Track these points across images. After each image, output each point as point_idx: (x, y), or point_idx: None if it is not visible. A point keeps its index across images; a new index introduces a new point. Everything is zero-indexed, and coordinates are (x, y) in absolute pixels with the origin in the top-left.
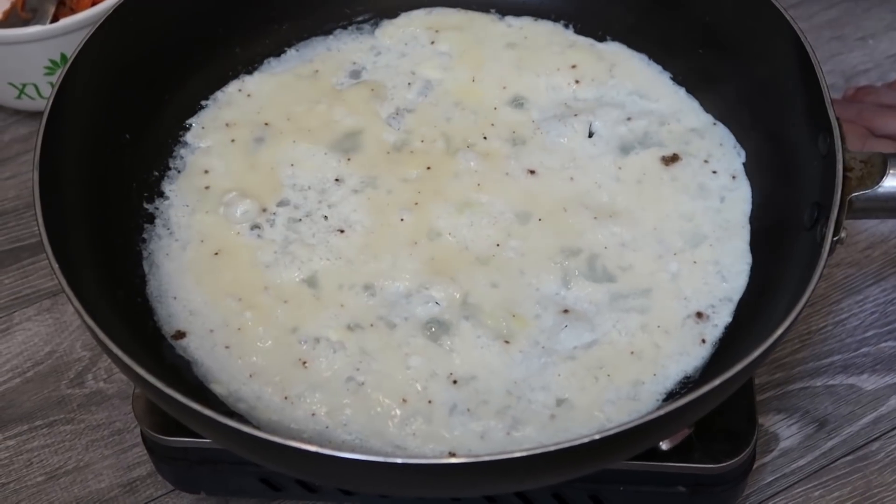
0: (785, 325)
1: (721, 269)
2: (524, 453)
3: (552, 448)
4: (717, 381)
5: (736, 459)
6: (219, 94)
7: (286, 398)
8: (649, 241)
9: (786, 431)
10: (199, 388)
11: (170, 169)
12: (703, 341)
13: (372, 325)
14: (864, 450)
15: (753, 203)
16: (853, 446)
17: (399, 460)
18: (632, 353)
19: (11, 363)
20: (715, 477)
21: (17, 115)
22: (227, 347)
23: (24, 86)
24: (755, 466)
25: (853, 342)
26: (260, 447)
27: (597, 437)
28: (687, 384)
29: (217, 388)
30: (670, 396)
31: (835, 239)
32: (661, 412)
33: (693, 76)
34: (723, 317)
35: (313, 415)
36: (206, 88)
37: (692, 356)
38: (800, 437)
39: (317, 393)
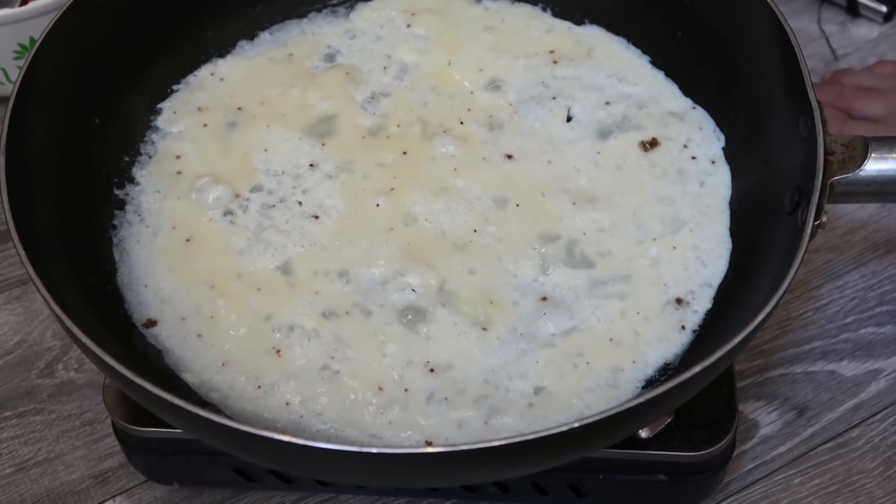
0: (765, 311)
1: (701, 254)
2: (501, 442)
3: (530, 437)
4: (696, 369)
5: (716, 447)
6: (191, 77)
7: (259, 387)
8: (628, 227)
9: (766, 418)
10: (170, 378)
11: (141, 154)
12: (683, 328)
13: (347, 313)
14: (844, 436)
15: (733, 188)
16: (833, 433)
17: (374, 450)
18: (611, 339)
19: None
20: (695, 465)
21: None
22: (199, 336)
23: None
24: (735, 454)
25: (833, 328)
26: (232, 437)
27: (575, 424)
28: (667, 371)
29: (189, 378)
30: (650, 384)
31: (816, 223)
32: (640, 400)
33: (672, 59)
34: (703, 303)
35: (287, 404)
36: (177, 72)
37: (672, 343)
38: (780, 423)
39: (291, 382)
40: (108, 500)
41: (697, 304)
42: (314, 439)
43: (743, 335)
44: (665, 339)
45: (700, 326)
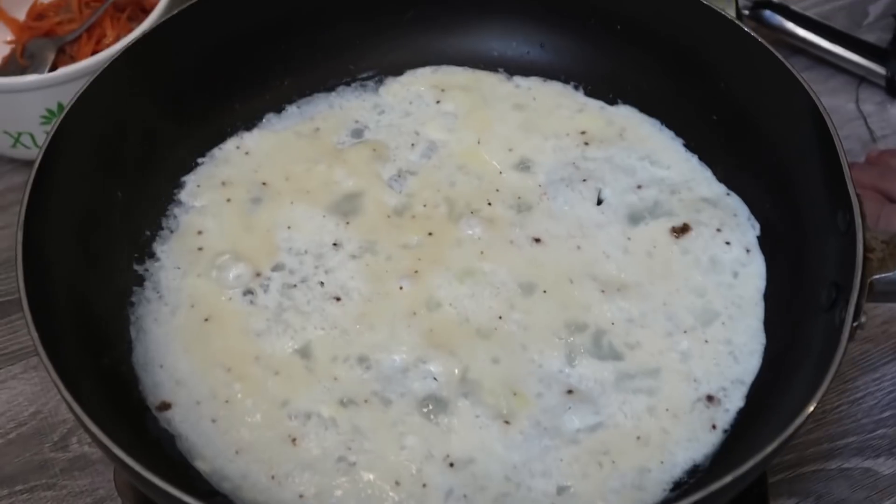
0: (802, 416)
1: (733, 348)
2: None
3: None
4: (728, 478)
5: None
6: (216, 150)
7: (273, 478)
8: (658, 318)
9: None
10: (181, 465)
11: (162, 229)
12: (714, 427)
13: (366, 401)
14: None
15: (768, 279)
16: None
17: None
18: (638, 437)
19: None
20: None
21: (13, 163)
22: (213, 421)
23: (19, 134)
24: None
25: (869, 423)
26: None
27: None
28: (696, 473)
29: (201, 465)
30: (677, 486)
31: (854, 325)
32: None
33: (706, 144)
34: (734, 401)
35: (301, 497)
36: (202, 145)
37: (702, 443)
38: None
39: (306, 472)
40: None
41: (729, 403)
42: None
43: (777, 442)
44: (695, 439)
45: (731, 426)
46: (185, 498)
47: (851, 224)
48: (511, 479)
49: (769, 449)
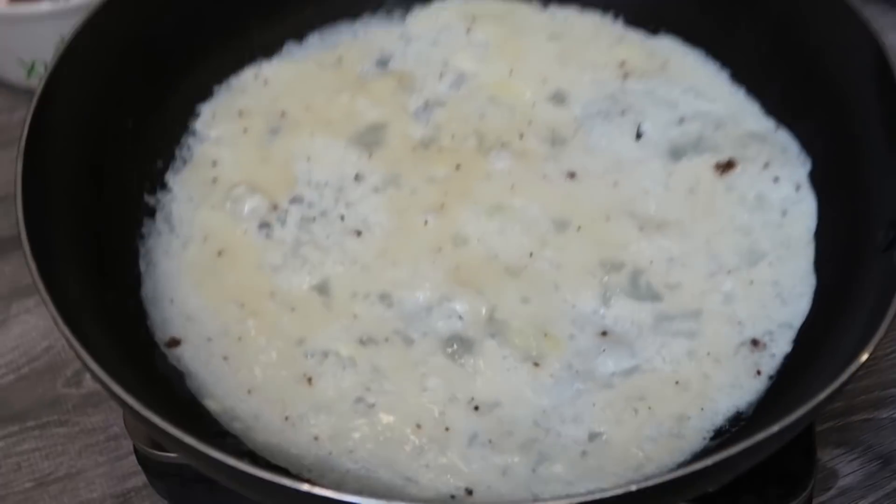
0: (855, 364)
1: (781, 290)
2: None
3: (578, 500)
4: (774, 428)
5: None
6: (233, 79)
7: (287, 419)
8: (700, 257)
9: (846, 468)
10: (190, 404)
11: (175, 159)
12: (759, 373)
13: (387, 340)
14: None
15: (819, 218)
16: None
17: None
18: (677, 383)
19: (6, 358)
20: None
21: (28, 94)
22: (225, 358)
23: (33, 63)
24: None
25: None
26: (249, 482)
27: (632, 488)
28: (738, 421)
29: (211, 405)
30: (719, 434)
31: None
32: (708, 462)
33: (755, 76)
34: (781, 345)
35: (316, 439)
36: (219, 73)
37: (745, 389)
38: (861, 474)
39: (321, 414)
40: None
41: (775, 347)
42: (343, 481)
43: (829, 391)
44: (738, 385)
45: (778, 372)
46: (186, 438)
47: None
48: (540, 425)
49: (819, 398)
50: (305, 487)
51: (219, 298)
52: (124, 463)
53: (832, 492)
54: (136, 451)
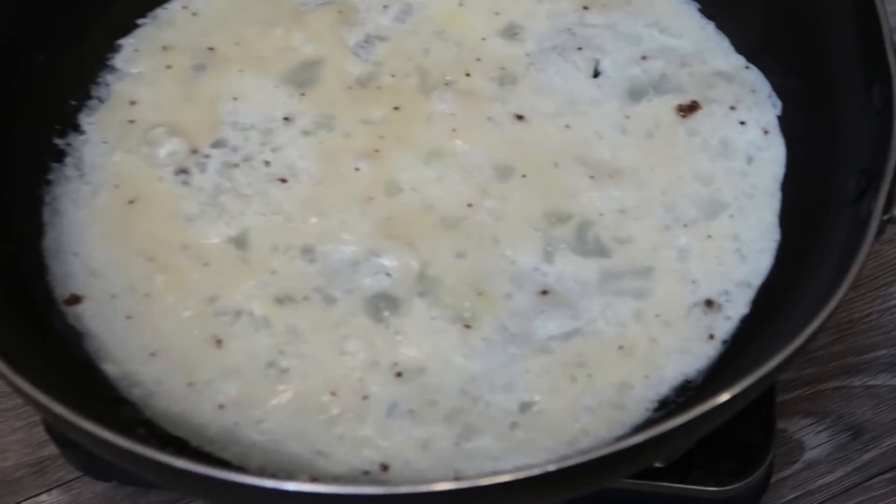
0: (816, 322)
1: (741, 246)
2: (444, 487)
3: (500, 480)
4: (723, 396)
5: (746, 481)
6: (159, 10)
7: (191, 385)
8: (655, 209)
9: (813, 439)
10: (86, 368)
11: (91, 98)
12: (712, 337)
13: (306, 298)
14: None
15: (787, 166)
16: (895, 462)
17: (291, 487)
18: (620, 347)
19: None
20: (720, 501)
21: None
22: (128, 318)
23: None
24: (774, 480)
25: None
26: (132, 460)
27: (550, 468)
28: (686, 391)
29: (109, 369)
30: (664, 405)
31: (885, 217)
32: (644, 437)
33: (726, 8)
34: (738, 307)
35: (221, 407)
36: (143, 4)
37: (696, 355)
38: (830, 446)
39: (229, 380)
40: (43, 492)
41: (732, 309)
42: (246, 456)
43: (785, 354)
44: (688, 351)
45: (732, 337)
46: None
47: (889, 100)
48: (467, 393)
49: (774, 363)
50: (180, 464)
51: (127, 251)
52: (41, 429)
53: (797, 465)
54: (42, 419)
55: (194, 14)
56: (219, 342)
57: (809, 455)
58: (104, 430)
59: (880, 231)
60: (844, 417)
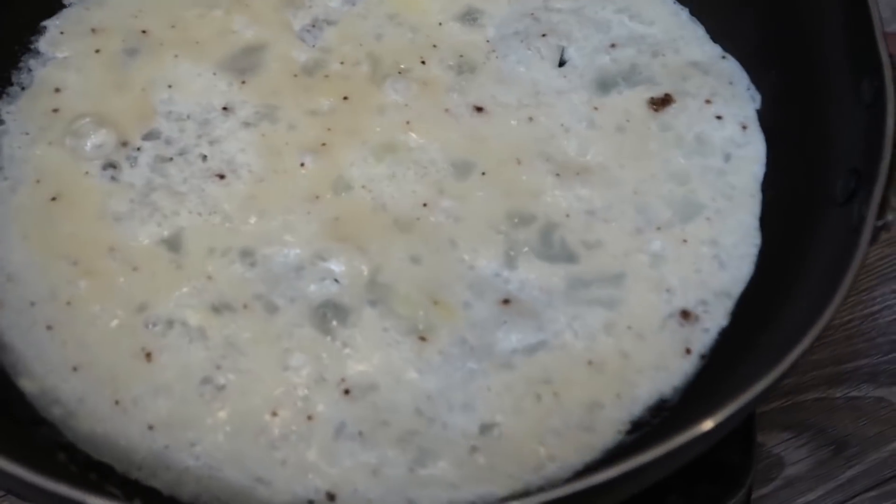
0: (805, 341)
1: (719, 251)
2: None
3: None
4: (702, 427)
5: None
6: None
7: (117, 403)
8: (626, 210)
9: (793, 454)
10: (1, 385)
11: (11, 84)
12: (688, 351)
13: (245, 307)
14: (893, 483)
15: (768, 165)
16: (879, 478)
17: None
18: (590, 363)
19: None
20: None
21: None
22: (49, 328)
23: None
24: (752, 497)
25: (885, 343)
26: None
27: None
28: (661, 410)
29: (26, 385)
30: (637, 426)
31: (878, 223)
32: (620, 470)
33: None
34: (716, 318)
35: (151, 428)
36: None
37: (671, 371)
38: (811, 462)
39: (160, 397)
40: None
41: (710, 320)
42: (178, 484)
43: (774, 375)
44: (663, 367)
45: (711, 351)
46: None
47: (880, 94)
48: (423, 413)
49: (761, 385)
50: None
51: (48, 254)
52: None
53: (777, 482)
54: None
55: None
56: (148, 355)
57: (789, 471)
58: (9, 463)
59: (874, 238)
60: (826, 431)
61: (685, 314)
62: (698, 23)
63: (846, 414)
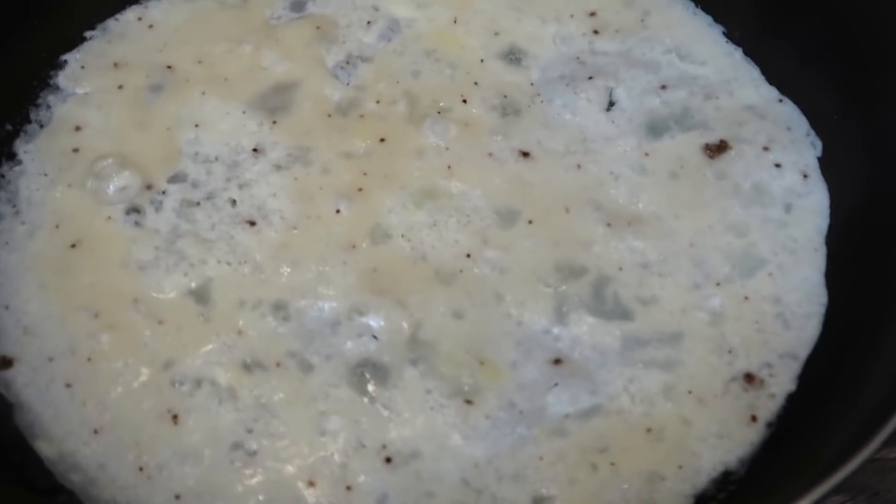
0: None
1: (783, 310)
2: None
3: None
4: None
5: None
6: (110, 21)
7: (141, 469)
8: (682, 263)
9: None
10: (17, 448)
11: (29, 122)
12: (754, 419)
13: (278, 365)
14: None
15: (832, 216)
16: None
17: None
18: (649, 430)
19: None
20: None
21: None
22: (68, 386)
23: None
24: None
25: None
26: None
27: None
28: (727, 484)
29: (44, 448)
30: (701, 501)
31: None
32: None
33: (755, 32)
34: (783, 382)
35: (178, 498)
36: (93, 13)
37: (736, 441)
38: None
39: (187, 464)
40: None
41: (775, 385)
42: None
43: (860, 459)
44: (727, 435)
45: (778, 418)
46: None
47: None
48: (470, 484)
49: (845, 470)
50: None
51: (68, 305)
52: None
53: None
54: None
55: (150, 26)
56: (175, 417)
57: None
58: None
59: None
60: (880, 494)
61: (749, 378)
62: (753, 63)
63: None
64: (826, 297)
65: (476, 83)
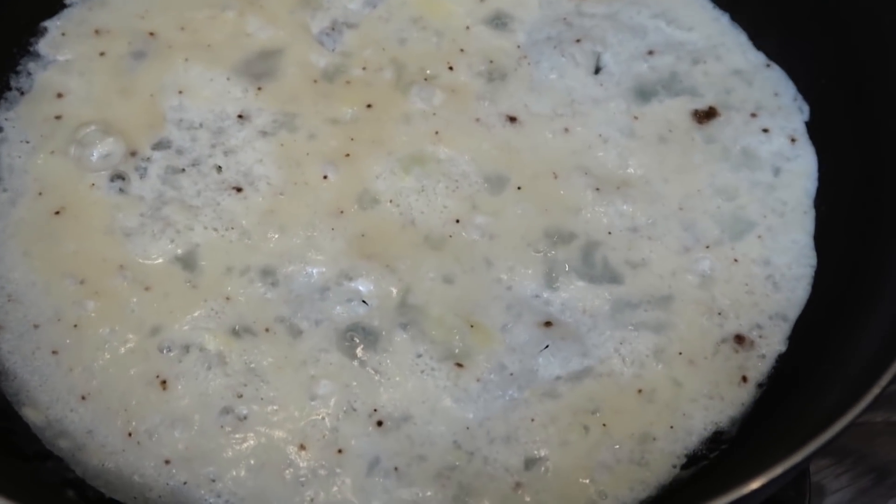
0: (888, 374)
1: (772, 271)
2: None
3: None
4: (775, 469)
5: None
6: None
7: (130, 434)
8: (672, 227)
9: (834, 483)
10: (3, 415)
11: (9, 89)
12: (745, 379)
13: (267, 331)
14: None
15: (820, 180)
16: None
17: None
18: (640, 391)
19: None
20: None
21: None
22: (54, 353)
23: None
24: None
25: None
26: None
27: None
28: (718, 443)
29: (31, 415)
30: (692, 460)
31: None
32: None
33: None
34: (773, 343)
35: (167, 463)
36: None
37: (727, 401)
38: (852, 491)
39: (176, 429)
40: None
41: (766, 346)
42: None
43: (850, 416)
44: (717, 396)
45: (769, 379)
46: None
47: None
48: (462, 447)
49: (836, 427)
50: None
51: (52, 272)
52: None
53: None
54: None
55: None
56: (163, 383)
57: (830, 500)
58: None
59: None
60: (867, 458)
61: (739, 339)
62: (740, 28)
63: (888, 440)
64: (815, 259)
65: (462, 50)
